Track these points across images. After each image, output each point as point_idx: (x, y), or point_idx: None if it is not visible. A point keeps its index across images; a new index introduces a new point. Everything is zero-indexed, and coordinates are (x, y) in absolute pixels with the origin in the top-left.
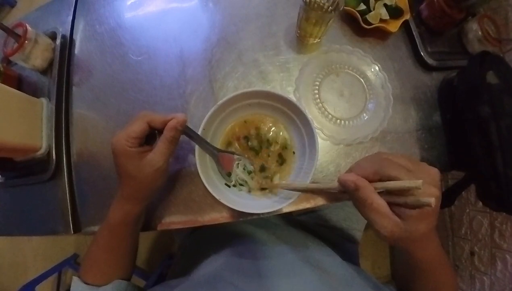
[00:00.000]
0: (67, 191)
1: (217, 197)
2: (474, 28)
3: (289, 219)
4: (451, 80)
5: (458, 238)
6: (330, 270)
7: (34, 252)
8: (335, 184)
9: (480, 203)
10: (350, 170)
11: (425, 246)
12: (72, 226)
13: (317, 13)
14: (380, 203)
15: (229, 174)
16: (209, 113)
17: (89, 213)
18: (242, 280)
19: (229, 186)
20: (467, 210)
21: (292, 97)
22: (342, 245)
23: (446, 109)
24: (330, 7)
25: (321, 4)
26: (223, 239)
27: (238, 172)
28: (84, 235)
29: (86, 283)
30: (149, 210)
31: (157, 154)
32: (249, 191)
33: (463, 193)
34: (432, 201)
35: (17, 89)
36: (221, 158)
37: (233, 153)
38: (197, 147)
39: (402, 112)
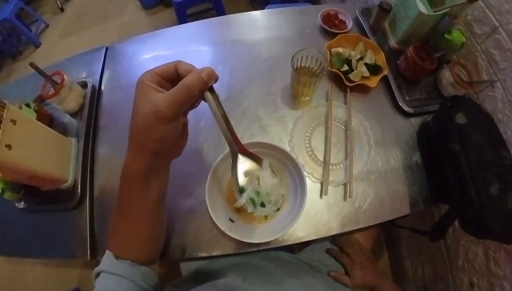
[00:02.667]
0: (87, 221)
1: (223, 228)
2: (446, 75)
3: (290, 256)
4: (427, 123)
5: (456, 270)
6: None
7: (36, 282)
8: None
9: None
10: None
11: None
12: (90, 252)
13: (305, 77)
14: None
15: (242, 190)
16: (217, 160)
17: (105, 242)
18: None
19: (233, 221)
20: (462, 242)
21: (286, 147)
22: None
23: (425, 149)
24: (317, 71)
25: (309, 69)
26: (226, 268)
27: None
28: (88, 269)
29: (116, 257)
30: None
31: (165, 96)
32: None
33: (456, 225)
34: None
35: (49, 126)
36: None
37: (256, 158)
38: (208, 181)
39: (385, 154)
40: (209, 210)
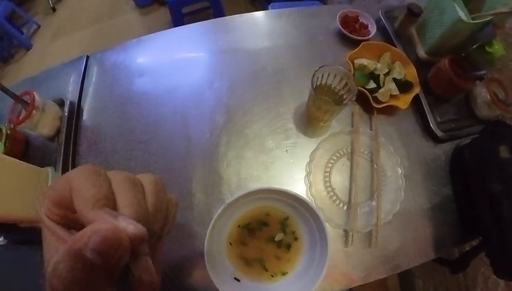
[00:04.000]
0: None
1: None
2: (482, 94)
3: None
4: (461, 149)
5: None
6: None
7: None
8: None
9: None
10: None
11: None
12: None
13: (327, 102)
14: None
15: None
16: (217, 213)
17: None
18: None
19: (239, 280)
20: (482, 270)
21: (301, 188)
22: None
23: (457, 181)
24: (341, 92)
25: (330, 87)
26: None
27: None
28: None
29: None
30: None
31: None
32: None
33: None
34: None
35: (24, 153)
36: None
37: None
38: (206, 243)
39: (414, 192)
40: (210, 273)
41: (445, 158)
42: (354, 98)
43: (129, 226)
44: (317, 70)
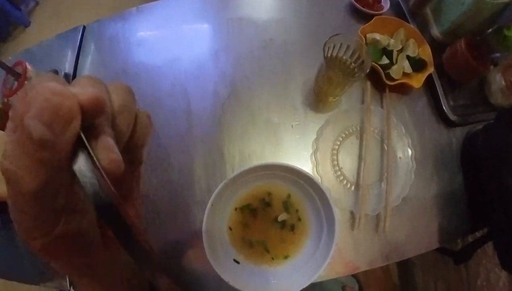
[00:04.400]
0: None
1: (226, 279)
2: (497, 80)
3: None
4: (474, 136)
5: (473, 289)
6: None
7: None
8: None
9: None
10: None
11: None
12: (69, 280)
13: (338, 75)
14: None
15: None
16: (218, 189)
17: None
18: None
19: (238, 262)
20: (484, 262)
21: (307, 165)
22: None
23: (469, 170)
24: (353, 65)
25: (343, 61)
26: None
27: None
28: None
29: None
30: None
31: None
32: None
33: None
34: None
35: None
36: None
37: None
38: (204, 222)
39: (424, 176)
40: (208, 255)
41: (457, 144)
42: (367, 71)
43: (81, 91)
44: (329, 39)
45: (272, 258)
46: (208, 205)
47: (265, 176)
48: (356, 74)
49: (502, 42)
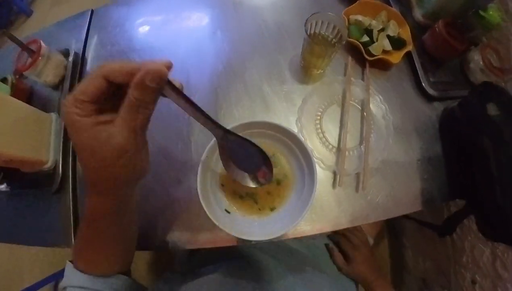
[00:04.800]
0: (71, 205)
1: (217, 223)
2: (476, 58)
3: (290, 247)
4: (452, 110)
5: (459, 266)
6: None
7: (32, 261)
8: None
9: None
10: None
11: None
12: (74, 239)
13: (321, 46)
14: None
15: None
16: (210, 144)
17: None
18: None
19: (229, 212)
20: (469, 238)
21: (293, 129)
22: (341, 279)
23: (447, 140)
24: (334, 40)
25: (324, 36)
26: (223, 261)
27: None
28: None
29: (81, 271)
30: (146, 229)
31: (118, 126)
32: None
33: (464, 220)
34: None
35: (27, 102)
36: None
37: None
38: (200, 169)
39: (404, 142)
40: (202, 201)
41: (437, 116)
42: (344, 42)
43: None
44: (310, 16)
45: (259, 209)
46: (201, 161)
47: (254, 135)
48: (336, 45)
49: (478, 23)
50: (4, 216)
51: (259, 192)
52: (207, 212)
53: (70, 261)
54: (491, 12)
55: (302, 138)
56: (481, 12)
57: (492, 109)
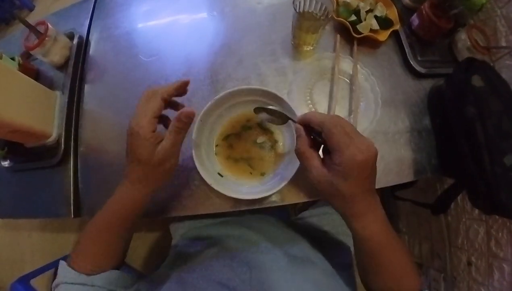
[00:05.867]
0: (71, 177)
1: (209, 182)
2: (463, 38)
3: (284, 222)
4: (440, 86)
5: (455, 248)
6: (315, 262)
7: (32, 248)
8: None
9: (476, 211)
10: (304, 115)
11: (368, 226)
12: (73, 210)
13: (309, 21)
14: (312, 154)
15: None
16: (206, 106)
17: (90, 200)
18: (233, 280)
19: (222, 176)
20: (463, 219)
21: (285, 98)
22: (334, 249)
23: (435, 114)
24: (321, 16)
25: (312, 13)
26: (215, 239)
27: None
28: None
29: (74, 270)
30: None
31: (169, 142)
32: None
33: (459, 202)
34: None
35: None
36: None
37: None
38: (193, 136)
39: (393, 115)
40: (195, 161)
41: (425, 92)
42: (330, 15)
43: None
44: None
45: (251, 173)
46: (197, 120)
47: (247, 103)
48: (323, 20)
49: (464, 4)
50: (8, 192)
51: (253, 157)
52: (201, 172)
53: (62, 260)
54: None
55: (286, 98)
56: None
57: (476, 81)
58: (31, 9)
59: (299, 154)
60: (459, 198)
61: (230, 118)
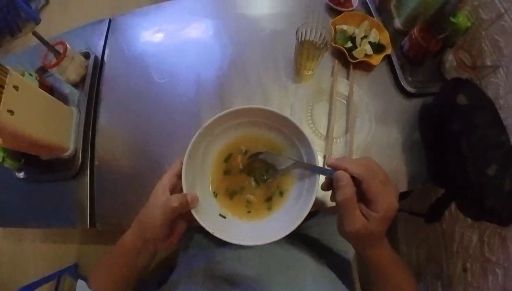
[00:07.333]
0: (87, 189)
1: (210, 230)
2: (450, 59)
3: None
4: (429, 105)
5: (450, 255)
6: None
7: (36, 258)
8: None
9: (469, 219)
10: (340, 162)
11: (379, 252)
12: (89, 220)
13: (309, 50)
14: (356, 204)
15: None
16: (194, 138)
17: (104, 211)
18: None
19: (224, 217)
20: (457, 227)
21: (287, 114)
22: (332, 260)
23: (425, 130)
24: (321, 45)
25: (313, 42)
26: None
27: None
28: (86, 245)
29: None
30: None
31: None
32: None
33: (452, 210)
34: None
35: None
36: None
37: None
38: (184, 169)
39: (385, 131)
40: (193, 213)
41: (415, 110)
42: (328, 45)
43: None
44: (301, 25)
45: (257, 209)
46: (186, 154)
47: (259, 124)
48: (322, 49)
49: (450, 27)
50: (21, 201)
51: (254, 190)
52: (198, 219)
53: (81, 279)
54: (460, 18)
55: (303, 130)
56: (452, 18)
57: (461, 100)
58: (37, 22)
59: (346, 203)
60: (453, 206)
61: (227, 143)
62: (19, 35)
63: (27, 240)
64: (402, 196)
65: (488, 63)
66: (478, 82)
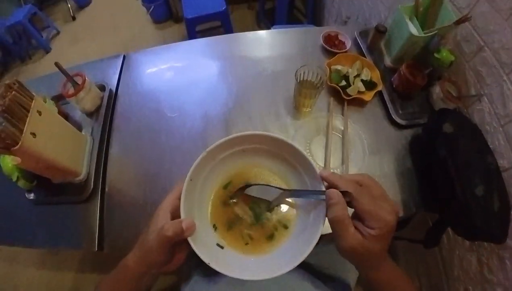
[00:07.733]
0: (97, 214)
1: (206, 261)
2: (437, 91)
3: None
4: (419, 135)
5: (452, 280)
6: None
7: (29, 284)
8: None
9: (467, 242)
10: (331, 179)
11: (380, 268)
12: (97, 244)
13: (307, 89)
14: (349, 221)
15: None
16: (194, 165)
17: (112, 236)
18: None
19: (222, 247)
20: (457, 252)
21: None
22: (333, 288)
23: (416, 158)
24: (318, 84)
25: (310, 81)
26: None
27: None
28: (82, 274)
29: None
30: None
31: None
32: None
33: (450, 235)
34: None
35: None
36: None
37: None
38: (182, 200)
39: (379, 161)
40: (189, 242)
41: (406, 140)
42: (324, 85)
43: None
44: (299, 68)
45: (257, 240)
46: (185, 182)
47: (270, 153)
48: (319, 88)
49: (435, 63)
50: (29, 222)
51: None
52: (194, 249)
53: None
54: (444, 54)
55: (312, 160)
56: (436, 54)
57: (447, 128)
58: (47, 51)
59: (336, 221)
60: (450, 232)
61: (229, 172)
62: (28, 62)
63: (19, 265)
64: (401, 225)
65: (473, 92)
66: (465, 110)
